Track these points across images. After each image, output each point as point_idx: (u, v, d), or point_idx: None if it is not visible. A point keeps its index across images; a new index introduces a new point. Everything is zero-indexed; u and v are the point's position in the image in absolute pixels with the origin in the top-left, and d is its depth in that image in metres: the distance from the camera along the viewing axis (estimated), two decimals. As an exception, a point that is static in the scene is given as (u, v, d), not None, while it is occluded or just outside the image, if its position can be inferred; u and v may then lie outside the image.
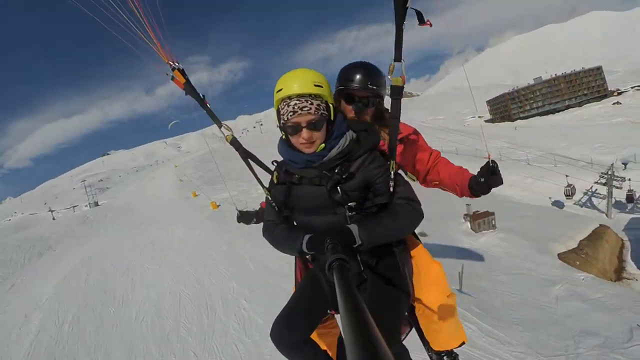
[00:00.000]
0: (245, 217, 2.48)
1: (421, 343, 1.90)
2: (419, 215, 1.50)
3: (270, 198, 1.65)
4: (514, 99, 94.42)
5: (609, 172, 23.47)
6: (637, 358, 5.46)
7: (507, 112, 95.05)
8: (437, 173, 1.99)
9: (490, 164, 1.73)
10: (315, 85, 1.40)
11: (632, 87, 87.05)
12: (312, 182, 1.49)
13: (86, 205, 38.66)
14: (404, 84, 1.48)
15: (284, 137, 1.55)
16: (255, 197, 19.35)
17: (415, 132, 2.00)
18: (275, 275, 8.75)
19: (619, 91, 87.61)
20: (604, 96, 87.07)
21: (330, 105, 1.47)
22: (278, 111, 1.46)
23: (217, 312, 7.81)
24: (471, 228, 14.16)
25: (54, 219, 35.59)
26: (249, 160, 1.89)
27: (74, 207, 42.89)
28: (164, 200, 26.45)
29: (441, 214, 15.44)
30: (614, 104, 79.43)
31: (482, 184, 1.76)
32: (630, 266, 16.02)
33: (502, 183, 1.72)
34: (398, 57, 1.41)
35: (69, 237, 21.93)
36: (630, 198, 23.67)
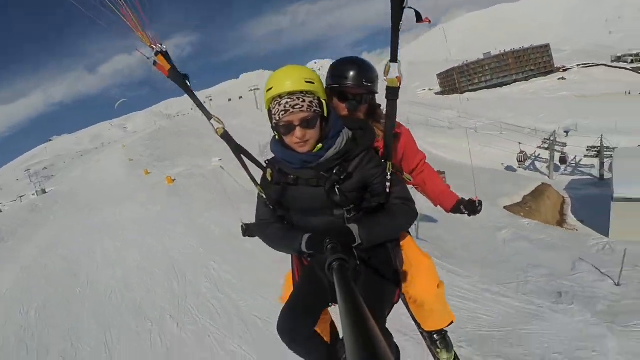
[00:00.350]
0: (250, 230, 2.25)
1: (413, 323, 2.03)
2: (414, 215, 1.55)
3: (264, 197, 1.59)
4: (463, 73, 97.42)
5: (551, 138, 25.46)
6: (580, 283, 6.26)
7: (456, 85, 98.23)
8: (423, 182, 2.05)
9: (477, 205, 1.99)
10: (307, 82, 1.35)
11: (577, 65, 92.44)
12: (309, 184, 1.46)
13: (33, 194, 36.15)
14: (400, 84, 1.46)
15: (277, 137, 1.48)
16: (211, 170, 19.33)
17: (402, 127, 2.00)
18: (241, 239, 8.95)
19: (564, 68, 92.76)
20: (550, 72, 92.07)
21: (323, 102, 1.41)
22: (269, 111, 1.41)
23: (187, 276, 7.96)
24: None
25: (0, 211, 33.26)
26: (241, 155, 1.75)
27: (20, 197, 40.11)
28: (111, 182, 25.36)
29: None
30: (559, 79, 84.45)
31: (462, 213, 2.02)
32: (570, 219, 17.82)
33: (477, 214, 1.98)
34: (394, 58, 1.39)
35: (21, 227, 20.55)
36: (563, 160, 26.14)
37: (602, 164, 24.80)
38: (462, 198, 2.03)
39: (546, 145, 25.88)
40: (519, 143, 26.72)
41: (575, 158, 27.02)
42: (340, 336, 1.79)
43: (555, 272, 6.67)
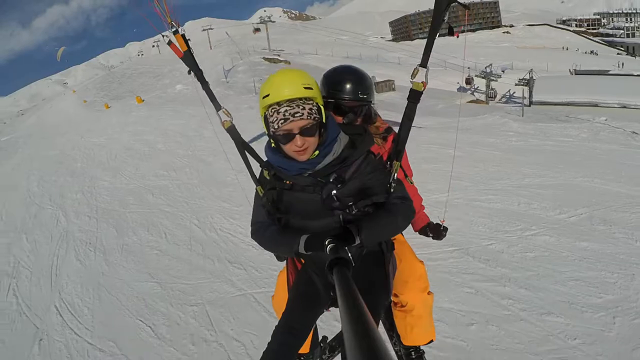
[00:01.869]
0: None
1: (387, 336, 1.98)
2: (412, 213, 1.52)
3: (266, 198, 1.52)
4: (414, 21, 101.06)
5: (487, 70, 28.76)
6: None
7: (407, 33, 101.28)
8: None
9: (442, 230, 2.03)
10: (305, 88, 1.29)
11: (523, 25, 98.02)
12: (306, 190, 1.43)
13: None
14: (424, 89, 1.48)
15: (273, 144, 1.42)
16: (177, 92, 20.85)
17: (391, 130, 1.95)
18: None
19: (511, 25, 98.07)
20: (497, 27, 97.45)
21: (321, 107, 1.37)
22: (265, 118, 1.34)
23: (189, 133, 10.75)
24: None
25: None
26: (245, 152, 1.70)
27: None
28: (74, 119, 24.15)
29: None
30: (503, 32, 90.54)
31: (427, 235, 2.07)
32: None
33: (443, 238, 2.05)
34: (424, 63, 1.42)
35: None
36: (467, 81, 30.67)
37: (530, 93, 28.12)
38: (430, 222, 2.11)
39: (483, 75, 29.16)
40: (468, 67, 30.18)
41: (509, 91, 30.63)
42: (319, 339, 1.97)
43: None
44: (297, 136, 1.28)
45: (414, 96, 1.53)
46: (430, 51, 1.43)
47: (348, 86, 1.77)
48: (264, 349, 1.48)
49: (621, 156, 6.02)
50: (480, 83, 30.86)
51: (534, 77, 28.12)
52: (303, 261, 1.70)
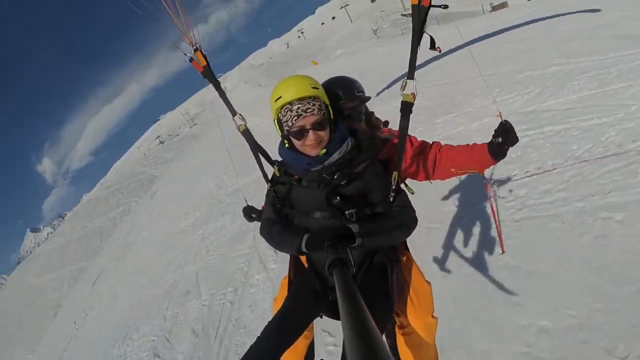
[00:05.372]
0: (250, 210, 2.06)
1: None
2: (414, 222, 1.53)
3: (275, 194, 1.62)
4: None
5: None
6: None
7: None
8: (449, 159, 1.78)
9: (504, 122, 1.59)
10: (313, 88, 1.41)
11: None
12: (311, 186, 1.48)
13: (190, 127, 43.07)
14: (414, 100, 1.47)
15: (286, 144, 1.51)
16: (340, 54, 25.92)
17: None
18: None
19: None
20: None
21: (328, 105, 1.47)
22: (279, 120, 1.44)
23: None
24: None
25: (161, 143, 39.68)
26: (259, 154, 1.75)
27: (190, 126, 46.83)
28: (256, 97, 27.18)
29: None
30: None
31: (501, 146, 1.59)
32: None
33: (517, 140, 1.59)
34: (411, 75, 1.43)
35: (193, 139, 25.51)
36: None
37: None
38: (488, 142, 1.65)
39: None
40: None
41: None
42: (316, 359, 1.88)
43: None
44: (310, 131, 1.38)
45: (407, 108, 1.47)
46: (415, 63, 1.41)
47: (343, 88, 1.81)
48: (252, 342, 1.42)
49: None
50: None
51: None
52: (306, 259, 1.73)
